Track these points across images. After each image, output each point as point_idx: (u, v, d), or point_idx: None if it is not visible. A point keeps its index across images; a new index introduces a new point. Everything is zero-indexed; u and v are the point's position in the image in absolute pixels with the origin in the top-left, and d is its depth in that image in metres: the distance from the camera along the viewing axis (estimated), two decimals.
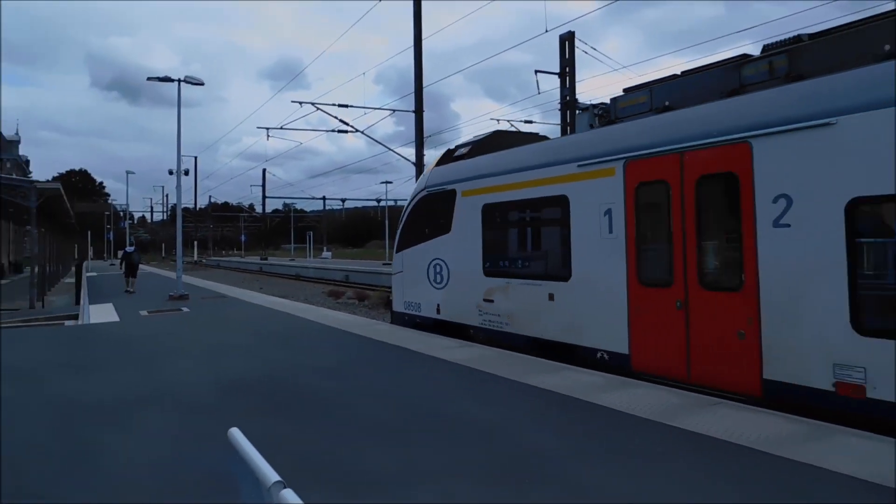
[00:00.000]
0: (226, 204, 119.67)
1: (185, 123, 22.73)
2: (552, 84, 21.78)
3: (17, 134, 59.12)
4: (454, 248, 11.75)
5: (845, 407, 5.92)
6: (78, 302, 22.35)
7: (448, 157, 12.80)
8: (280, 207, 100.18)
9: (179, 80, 21.87)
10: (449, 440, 5.50)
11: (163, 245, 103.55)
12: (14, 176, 45.30)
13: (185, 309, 17.75)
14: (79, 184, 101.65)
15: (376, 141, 26.77)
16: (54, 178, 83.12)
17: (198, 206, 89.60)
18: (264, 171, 72.48)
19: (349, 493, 4.40)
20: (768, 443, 5.14)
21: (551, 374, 8.00)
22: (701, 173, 7.31)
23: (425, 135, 21.73)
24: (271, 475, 2.33)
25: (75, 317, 18.34)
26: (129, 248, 28.20)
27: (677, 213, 7.53)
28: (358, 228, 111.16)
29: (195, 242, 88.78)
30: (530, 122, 25.13)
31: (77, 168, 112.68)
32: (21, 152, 60.35)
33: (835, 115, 6.01)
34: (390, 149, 25.33)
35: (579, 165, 8.97)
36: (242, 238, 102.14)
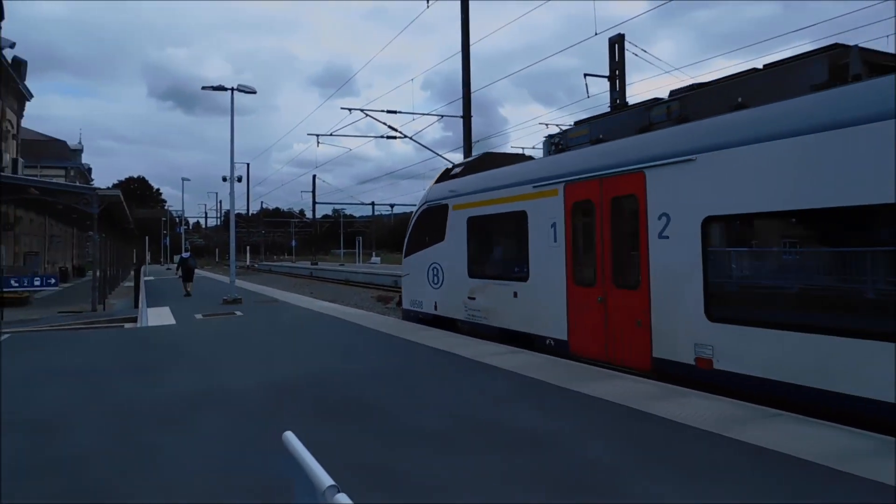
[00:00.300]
0: (277, 210, 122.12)
1: (238, 131, 23.30)
2: (601, 88, 21.54)
3: (80, 143, 61.54)
4: (447, 254, 13.69)
5: (701, 376, 7.59)
6: (137, 305, 23.08)
7: (445, 176, 14.78)
8: (330, 213, 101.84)
9: (232, 89, 22.43)
10: (501, 448, 5.45)
11: (216, 250, 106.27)
12: (77, 183, 47.21)
13: (238, 313, 18.14)
14: (137, 190, 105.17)
15: (424, 146, 26.94)
16: (114, 186, 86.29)
17: (250, 212, 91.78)
18: (314, 177, 73.72)
19: (401, 498, 4.39)
20: (832, 458, 4.91)
21: (602, 381, 7.86)
22: (613, 195, 9.14)
23: (473, 140, 21.73)
24: (325, 479, 2.33)
25: (134, 319, 18.94)
26: (185, 254, 29.48)
27: (598, 227, 9.42)
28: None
29: (247, 247, 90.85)
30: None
31: (136, 175, 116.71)
32: (84, 161, 62.83)
33: (695, 154, 7.80)
34: (438, 154, 25.41)
35: (534, 186, 10.79)
36: (293, 243, 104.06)
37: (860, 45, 7.40)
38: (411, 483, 4.68)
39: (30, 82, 34.86)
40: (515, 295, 11.29)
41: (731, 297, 7.67)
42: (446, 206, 13.74)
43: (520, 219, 11.15)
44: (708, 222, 7.64)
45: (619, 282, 9.02)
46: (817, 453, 5.02)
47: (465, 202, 13.09)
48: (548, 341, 10.41)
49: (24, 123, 37.46)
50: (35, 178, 30.64)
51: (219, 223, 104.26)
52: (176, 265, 31.10)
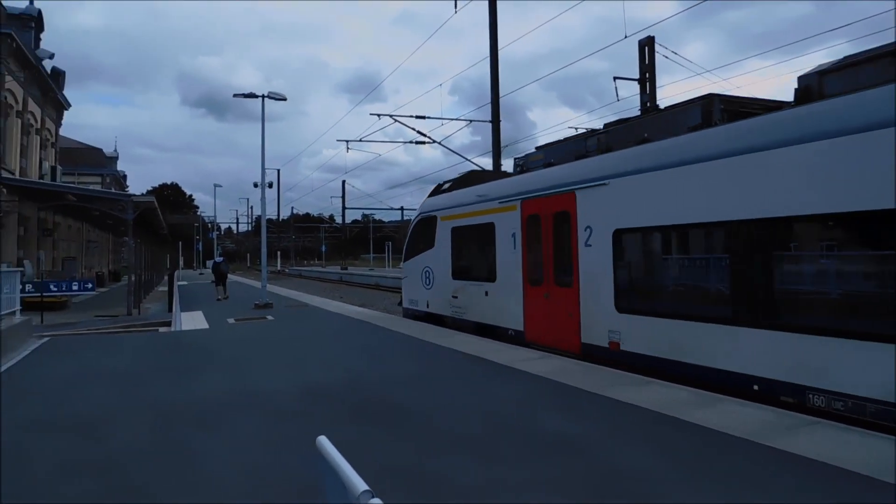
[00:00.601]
0: (307, 215, 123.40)
1: (268, 137, 23.57)
2: (631, 91, 21.32)
3: (115, 151, 62.85)
4: (436, 259, 15.63)
5: (612, 356, 9.50)
6: (171, 309, 23.46)
7: (436, 191, 16.84)
8: (359, 218, 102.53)
9: (263, 96, 22.70)
10: (534, 454, 5.39)
11: (248, 255, 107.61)
12: (113, 190, 48.24)
13: (269, 317, 18.32)
14: (170, 197, 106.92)
15: (453, 151, 26.98)
16: (148, 192, 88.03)
17: (281, 218, 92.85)
18: (344, 182, 74.32)
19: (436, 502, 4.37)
20: (875, 467, 4.75)
21: (637, 387, 7.74)
22: (554, 210, 11.05)
23: (502, 144, 21.67)
24: (360, 484, 2.31)
25: (168, 323, 19.25)
26: (219, 259, 30.17)
27: (544, 236, 11.35)
28: None
29: (278, 252, 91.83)
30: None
31: (169, 182, 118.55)
32: (119, 168, 64.19)
33: (608, 179, 9.75)
34: (467, 159, 25.41)
35: (500, 202, 12.71)
36: (323, 248, 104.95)
37: (731, 93, 9.93)
38: (444, 488, 4.65)
39: (68, 92, 35.76)
40: (486, 294, 13.29)
41: (632, 293, 9.48)
42: (435, 217, 15.73)
43: (489, 229, 13.03)
44: (617, 233, 9.61)
45: (558, 281, 10.96)
46: (860, 462, 4.86)
47: (449, 214, 15.05)
48: (509, 331, 12.31)
49: (63, 132, 38.41)
50: (73, 185, 31.38)
51: (250, 228, 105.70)
52: (211, 270, 31.99)
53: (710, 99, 9.15)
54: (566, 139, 12.90)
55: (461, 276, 14.47)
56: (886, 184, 5.96)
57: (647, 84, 20.29)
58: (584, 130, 13.00)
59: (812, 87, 7.85)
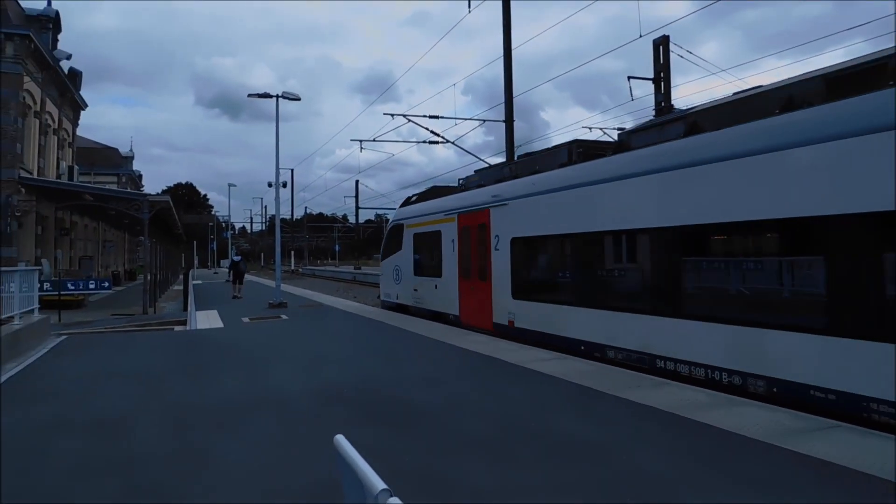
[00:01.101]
0: (321, 215, 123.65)
1: (282, 137, 23.66)
2: (645, 90, 21.21)
3: (131, 150, 63.30)
4: (403, 260, 19.13)
5: (508, 331, 12.81)
6: (186, 308, 23.63)
7: (406, 203, 20.54)
8: (373, 218, 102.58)
9: (277, 96, 22.78)
10: (551, 456, 5.39)
11: (261, 254, 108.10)
12: (129, 190, 48.64)
13: (283, 316, 18.41)
14: (185, 196, 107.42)
15: (466, 151, 26.96)
16: (163, 192, 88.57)
17: (294, 217, 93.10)
18: (357, 182, 74.41)
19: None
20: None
21: (652, 389, 7.70)
22: (478, 222, 14.35)
23: (516, 144, 21.62)
24: (378, 483, 2.32)
25: (184, 322, 19.38)
26: (236, 258, 30.84)
27: (472, 242, 14.68)
28: None
29: (292, 252, 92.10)
30: (623, 129, 24.52)
31: (184, 182, 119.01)
32: (134, 167, 64.71)
33: (508, 200, 13.04)
34: (480, 158, 25.39)
35: (445, 214, 16.18)
36: (336, 248, 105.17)
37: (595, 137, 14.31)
38: (459, 488, 4.65)
39: (84, 92, 36.08)
40: (436, 287, 16.67)
41: (521, 285, 12.77)
42: (403, 225, 19.27)
43: (438, 236, 16.47)
44: (513, 241, 12.91)
45: (480, 277, 14.32)
46: (880, 466, 4.80)
47: (412, 223, 18.55)
48: (451, 316, 15.76)
49: (79, 132, 38.76)
50: (90, 185, 31.70)
51: (264, 228, 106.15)
52: (228, 268, 33.06)
53: (573, 144, 12.35)
54: (492, 166, 17.12)
55: (420, 273, 17.99)
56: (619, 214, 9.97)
57: (662, 84, 20.15)
58: (544, 149, 15.79)
59: (624, 141, 10.94)
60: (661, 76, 20.25)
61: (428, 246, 17.32)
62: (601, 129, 20.94)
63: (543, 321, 11.84)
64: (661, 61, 20.23)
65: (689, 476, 4.82)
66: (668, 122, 10.15)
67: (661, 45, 20.31)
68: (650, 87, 20.80)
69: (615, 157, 10.60)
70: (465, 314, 14.99)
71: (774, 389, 7.24)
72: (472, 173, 16.99)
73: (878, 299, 6.29)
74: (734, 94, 9.76)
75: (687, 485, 4.65)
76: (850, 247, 6.60)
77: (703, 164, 8.35)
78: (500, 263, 13.24)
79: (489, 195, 13.98)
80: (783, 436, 5.64)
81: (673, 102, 19.91)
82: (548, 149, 13.72)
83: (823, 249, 6.88)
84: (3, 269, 12.77)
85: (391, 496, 2.23)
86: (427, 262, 17.58)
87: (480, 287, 14.19)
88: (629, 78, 21.44)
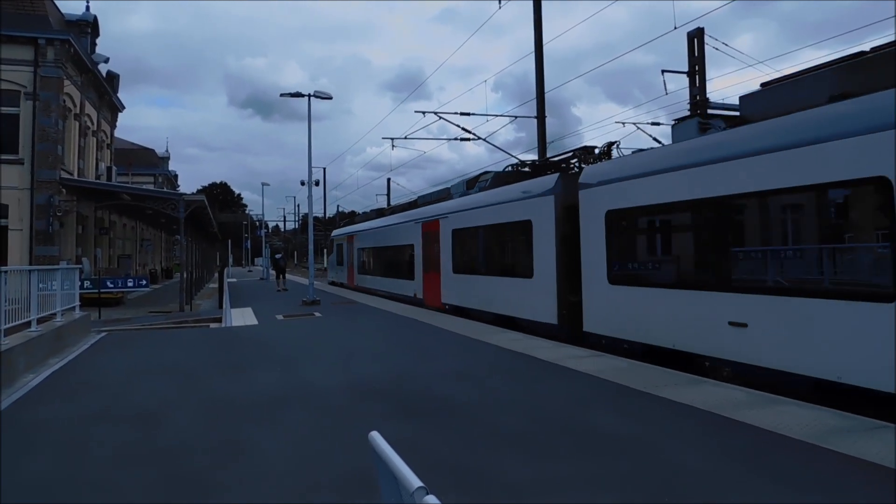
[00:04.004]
0: (353, 212, 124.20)
1: (314, 136, 23.84)
2: (679, 84, 20.86)
3: (167, 151, 64.66)
4: (336, 258, 37.50)
5: (448, 309, 18.11)
6: (221, 306, 23.99)
7: (345, 221, 44.09)
8: None
9: (309, 95, 22.92)
10: (586, 453, 5.33)
11: (294, 252, 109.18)
12: (165, 189, 49.53)
13: (317, 314, 18.57)
14: (220, 195, 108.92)
15: (498, 148, 26.97)
16: (199, 191, 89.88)
17: (327, 215, 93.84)
18: (388, 180, 74.49)
19: (488, 499, 4.35)
20: None
21: (688, 387, 7.57)
22: (433, 229, 19.48)
23: (548, 140, 21.45)
24: (414, 480, 2.30)
25: (219, 320, 19.70)
26: (278, 256, 37.05)
27: (431, 244, 19.77)
28: None
29: (324, 250, 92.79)
30: (657, 123, 24.14)
31: (218, 181, 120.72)
32: (170, 168, 65.97)
33: (448, 214, 18.67)
34: (512, 155, 25.24)
35: (414, 222, 21.91)
36: None
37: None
38: (496, 484, 4.62)
39: (122, 94, 36.86)
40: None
41: (457, 268, 18.01)
42: (333, 240, 37.17)
43: (407, 240, 23.07)
44: (454, 233, 18.14)
45: (434, 270, 19.71)
46: None
47: (337, 239, 36.68)
48: (414, 295, 21.86)
49: (117, 133, 39.63)
50: (128, 185, 32.37)
51: (297, 226, 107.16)
52: (271, 265, 39.89)
53: (493, 175, 17.35)
54: (439, 190, 23.23)
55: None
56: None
57: (697, 77, 19.79)
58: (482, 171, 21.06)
59: (473, 182, 18.75)
60: (696, 69, 19.89)
61: (381, 253, 27.58)
62: (635, 124, 20.55)
63: (464, 297, 17.88)
64: (696, 54, 19.85)
65: (725, 474, 4.72)
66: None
67: (696, 38, 19.92)
68: (684, 80, 20.45)
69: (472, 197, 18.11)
70: (426, 297, 20.79)
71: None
72: (419, 196, 26.86)
73: None
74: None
75: (723, 483, 4.55)
76: None
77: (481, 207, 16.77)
78: (446, 256, 18.85)
79: (442, 210, 19.58)
80: (826, 435, 5.48)
81: (708, 95, 19.56)
82: (475, 177, 19.14)
83: None
84: (47, 267, 13.11)
85: (427, 494, 2.21)
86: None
87: (436, 277, 19.85)
88: (663, 72, 21.07)
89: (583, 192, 11.68)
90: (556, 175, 13.09)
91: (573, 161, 14.33)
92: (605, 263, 10.97)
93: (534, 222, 13.39)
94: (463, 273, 17.55)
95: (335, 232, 40.68)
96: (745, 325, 8.14)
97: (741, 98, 9.54)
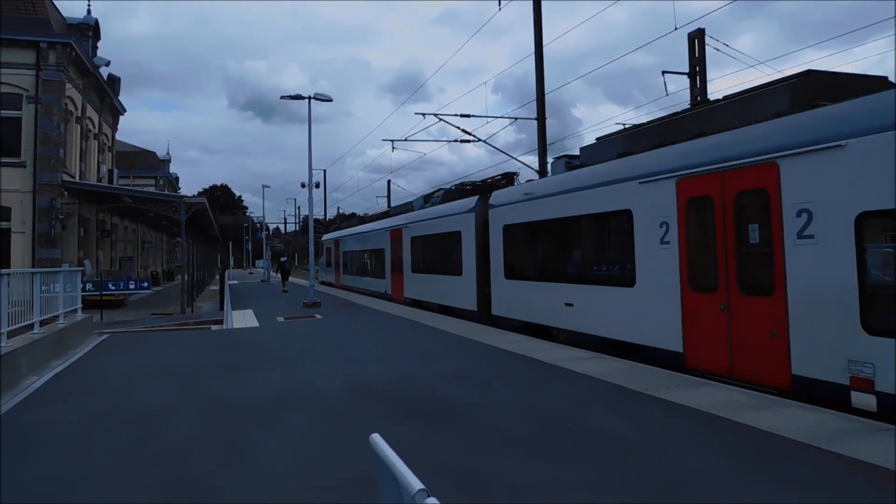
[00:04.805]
0: (353, 215, 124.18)
1: (314, 138, 23.87)
2: (679, 85, 20.87)
3: (167, 153, 64.60)
4: (326, 260, 43.09)
5: (407, 302, 22.72)
6: (222, 308, 24.01)
7: (338, 226, 45.35)
8: None
9: (309, 98, 22.94)
10: (587, 454, 5.34)
11: (295, 254, 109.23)
12: (166, 192, 49.57)
13: (318, 316, 18.58)
14: (220, 198, 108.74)
15: (498, 149, 26.78)
16: (199, 193, 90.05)
17: (327, 217, 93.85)
18: (389, 182, 74.56)
19: (489, 501, 4.36)
20: None
21: (690, 389, 7.58)
22: (397, 237, 24.29)
23: (548, 142, 21.44)
24: (415, 483, 2.31)
25: (220, 322, 19.69)
26: (283, 258, 40.47)
27: (396, 249, 24.39)
28: None
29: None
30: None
31: (219, 183, 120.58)
32: (171, 170, 65.97)
33: (408, 224, 23.20)
34: (512, 157, 25.30)
35: (384, 230, 26.30)
36: None
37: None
38: (497, 486, 4.63)
39: (123, 98, 36.88)
40: (373, 275, 29.33)
41: (414, 269, 22.07)
42: (323, 243, 43.57)
43: (379, 246, 27.12)
44: (412, 240, 22.31)
45: (399, 270, 23.64)
46: None
47: (326, 243, 42.92)
48: (384, 290, 25.77)
49: (118, 136, 39.65)
50: (129, 188, 32.38)
51: (297, 228, 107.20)
52: (276, 267, 42.80)
53: (440, 190, 21.98)
54: (404, 203, 27.73)
55: (348, 272, 35.62)
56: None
57: (698, 78, 19.81)
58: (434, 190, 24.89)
59: (412, 207, 25.27)
60: (697, 70, 19.90)
61: (360, 254, 31.99)
62: (635, 125, 20.60)
63: (418, 291, 22.01)
64: (697, 55, 19.88)
65: (726, 475, 4.72)
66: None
67: (697, 39, 19.95)
68: (684, 81, 20.45)
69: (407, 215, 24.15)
70: (394, 293, 24.75)
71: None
72: (393, 206, 32.61)
73: None
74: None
75: (725, 484, 4.56)
76: None
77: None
78: (407, 260, 23.17)
79: (405, 220, 23.95)
80: (829, 438, 5.48)
81: (709, 96, 19.56)
82: (430, 194, 23.88)
83: None
84: (49, 269, 13.14)
85: (428, 496, 2.22)
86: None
87: (400, 277, 23.98)
88: (664, 73, 21.09)
89: (491, 211, 15.76)
90: (477, 197, 17.33)
91: (503, 182, 17.85)
92: (503, 264, 15.15)
93: (462, 232, 17.58)
94: (419, 272, 21.98)
95: (325, 237, 45.26)
96: (572, 305, 12.08)
97: (581, 149, 13.51)
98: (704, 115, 9.88)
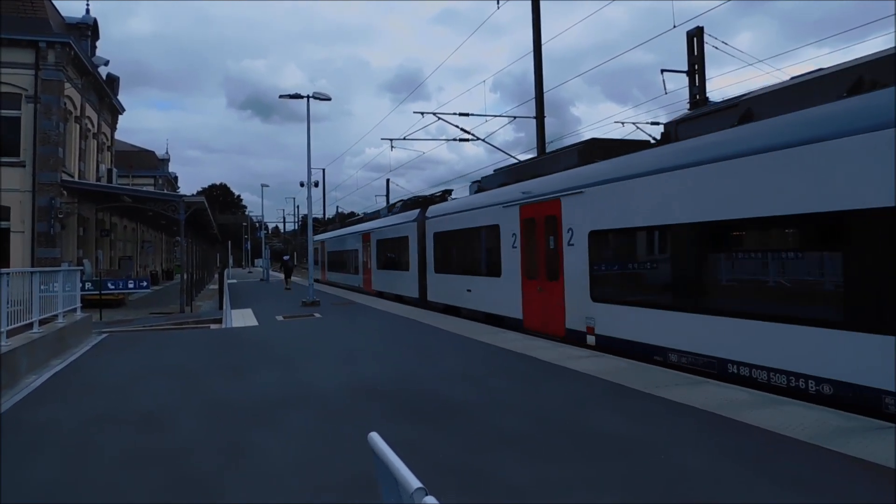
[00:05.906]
0: (352, 214, 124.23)
1: (313, 137, 23.90)
2: (679, 83, 20.85)
3: (167, 153, 64.49)
4: (320, 260, 45.24)
5: (370, 292, 28.73)
6: (221, 307, 24.01)
7: (321, 228, 52.72)
8: None
9: (308, 97, 22.91)
10: (587, 454, 5.33)
11: (294, 253, 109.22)
12: (165, 191, 49.56)
13: (317, 315, 18.57)
14: (220, 197, 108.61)
15: (497, 148, 26.96)
16: (199, 193, 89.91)
17: (326, 216, 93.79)
18: (388, 181, 74.54)
19: (488, 500, 4.36)
20: None
21: (690, 387, 7.57)
22: (368, 239, 29.81)
23: (547, 140, 21.43)
24: (413, 481, 2.31)
25: (219, 321, 19.70)
26: (286, 257, 42.67)
27: (367, 249, 30.23)
28: None
29: None
30: (657, 123, 24.13)
31: (218, 182, 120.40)
32: (170, 169, 65.89)
33: (371, 231, 29.66)
34: (511, 155, 25.20)
35: (358, 233, 32.45)
36: None
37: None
38: (497, 485, 4.63)
39: (122, 97, 36.86)
40: (356, 272, 32.99)
41: (379, 266, 27.63)
42: (323, 242, 44.49)
43: (356, 245, 32.47)
44: (377, 242, 27.74)
45: (370, 269, 29.31)
46: None
47: (323, 241, 44.58)
48: (357, 283, 31.42)
49: (117, 135, 39.61)
50: (128, 187, 32.38)
51: (296, 227, 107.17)
52: (280, 266, 46.43)
53: (400, 201, 27.63)
54: (374, 211, 36.00)
55: (334, 271, 39.79)
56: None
57: (697, 76, 19.80)
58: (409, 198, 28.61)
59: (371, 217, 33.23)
60: (696, 68, 19.90)
61: (317, 253, 38.07)
62: (634, 123, 20.65)
63: (387, 285, 26.02)
64: (696, 53, 19.87)
65: (727, 475, 4.72)
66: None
67: (696, 37, 19.93)
68: (683, 80, 20.45)
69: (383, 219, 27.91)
70: (365, 285, 29.91)
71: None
72: (369, 211, 38.02)
73: None
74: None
75: (725, 483, 4.56)
76: None
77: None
78: (374, 259, 28.16)
79: (367, 227, 30.07)
80: (830, 437, 5.46)
81: (708, 95, 19.56)
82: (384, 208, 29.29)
83: None
84: (48, 269, 13.13)
85: (426, 495, 2.22)
86: (317, 259, 39.80)
87: (371, 272, 29.16)
88: (662, 71, 21.11)
89: (427, 221, 20.55)
90: (418, 209, 22.09)
91: (439, 199, 22.65)
92: (433, 261, 20.10)
93: (409, 237, 22.45)
94: (382, 269, 27.33)
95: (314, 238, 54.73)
96: (471, 291, 16.92)
97: (482, 178, 18.14)
98: (541, 162, 14.90)
